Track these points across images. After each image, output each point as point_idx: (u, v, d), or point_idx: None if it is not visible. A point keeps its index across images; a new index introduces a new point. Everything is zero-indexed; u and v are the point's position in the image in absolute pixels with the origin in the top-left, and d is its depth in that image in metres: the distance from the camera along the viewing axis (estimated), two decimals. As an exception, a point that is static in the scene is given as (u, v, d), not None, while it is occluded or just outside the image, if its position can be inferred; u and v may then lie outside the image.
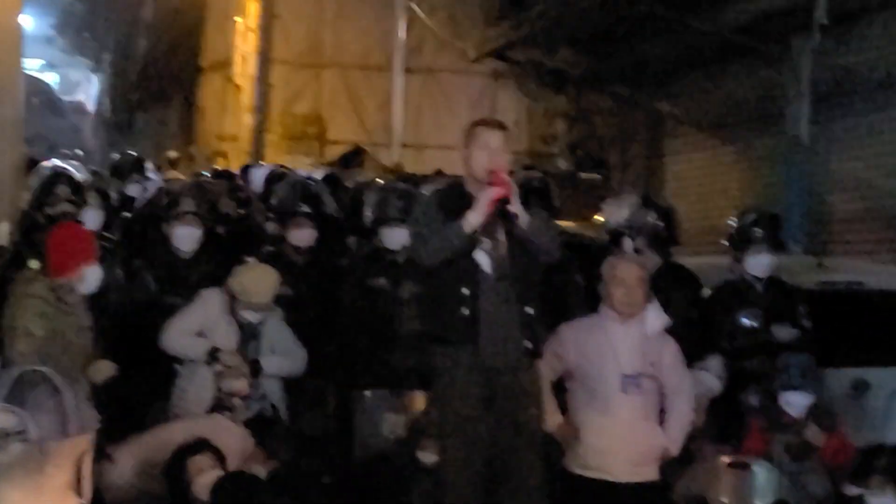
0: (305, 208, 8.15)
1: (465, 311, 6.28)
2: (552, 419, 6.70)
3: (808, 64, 11.96)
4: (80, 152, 17.96)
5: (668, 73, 14.14)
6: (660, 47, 13.02)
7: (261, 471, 6.68)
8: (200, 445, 6.39)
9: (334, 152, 20.16)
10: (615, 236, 8.20)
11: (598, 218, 8.71)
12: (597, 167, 18.20)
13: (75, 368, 6.47)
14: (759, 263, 7.92)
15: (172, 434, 6.71)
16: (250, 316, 7.38)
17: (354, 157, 19.75)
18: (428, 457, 7.06)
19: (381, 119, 20.15)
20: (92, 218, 7.83)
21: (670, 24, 12.40)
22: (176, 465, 6.32)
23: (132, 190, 10.07)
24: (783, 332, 7.69)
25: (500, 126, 6.56)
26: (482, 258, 6.31)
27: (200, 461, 6.33)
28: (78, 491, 5.36)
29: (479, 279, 6.30)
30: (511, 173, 6.59)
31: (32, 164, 9.98)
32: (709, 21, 12.35)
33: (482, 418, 6.31)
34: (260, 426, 7.15)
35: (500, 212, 6.26)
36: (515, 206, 6.25)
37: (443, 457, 6.43)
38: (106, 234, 7.97)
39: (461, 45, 17.38)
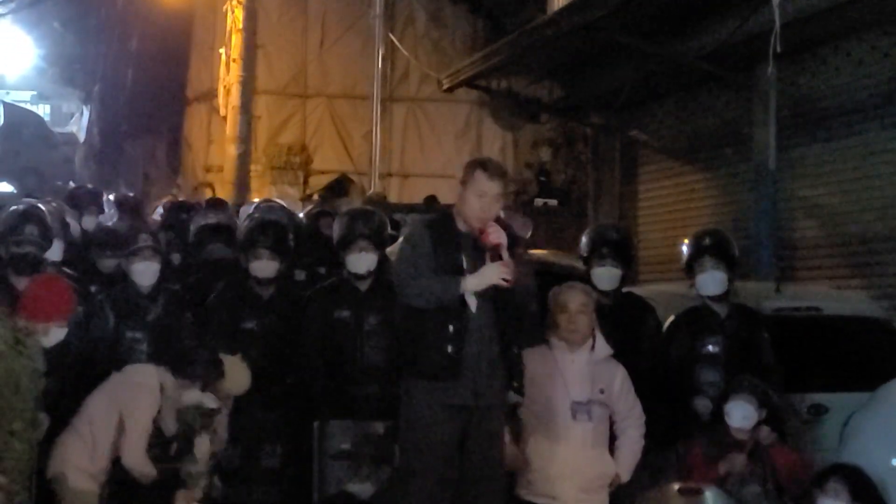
0: (265, 240, 8.06)
1: (450, 349, 6.33)
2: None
3: (773, 91, 12.03)
4: (71, 184, 17.98)
5: (639, 101, 14.22)
6: (629, 75, 13.09)
7: None
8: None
9: (320, 182, 20.30)
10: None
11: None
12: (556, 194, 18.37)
13: (25, 411, 6.42)
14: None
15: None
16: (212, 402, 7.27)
17: (340, 186, 19.93)
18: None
19: (366, 148, 20.09)
20: (55, 250, 7.82)
21: (637, 52, 12.47)
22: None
23: (87, 223, 10.05)
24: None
25: (500, 174, 6.53)
26: (471, 299, 6.37)
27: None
28: None
29: (466, 318, 6.36)
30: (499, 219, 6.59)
31: (25, 195, 10.05)
32: (675, 49, 12.44)
33: (453, 457, 6.37)
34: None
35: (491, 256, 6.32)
36: (505, 256, 6.32)
37: (409, 492, 6.40)
38: (67, 269, 7.97)
39: (437, 76, 17.39)
